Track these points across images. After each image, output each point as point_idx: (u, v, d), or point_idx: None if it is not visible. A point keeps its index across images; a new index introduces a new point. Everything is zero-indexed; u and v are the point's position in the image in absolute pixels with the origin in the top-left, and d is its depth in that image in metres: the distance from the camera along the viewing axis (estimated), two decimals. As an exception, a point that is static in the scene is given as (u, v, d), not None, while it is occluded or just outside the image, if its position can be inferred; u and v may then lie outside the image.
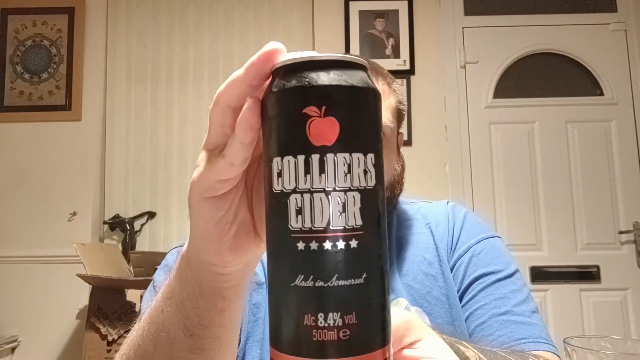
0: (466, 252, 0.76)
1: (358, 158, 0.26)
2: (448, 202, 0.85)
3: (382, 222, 0.27)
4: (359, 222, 0.26)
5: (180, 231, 2.50)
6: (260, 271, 0.73)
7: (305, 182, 0.26)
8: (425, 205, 0.85)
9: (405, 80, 2.52)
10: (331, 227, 0.25)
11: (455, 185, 2.47)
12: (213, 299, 0.37)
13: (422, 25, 2.59)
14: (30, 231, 2.45)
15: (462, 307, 0.73)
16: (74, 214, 2.46)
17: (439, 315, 0.72)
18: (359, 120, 0.26)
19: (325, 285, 0.25)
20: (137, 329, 0.43)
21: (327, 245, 0.25)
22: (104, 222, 2.52)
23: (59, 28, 2.59)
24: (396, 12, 2.58)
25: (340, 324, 0.25)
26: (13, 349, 2.34)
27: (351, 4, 2.59)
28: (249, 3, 2.63)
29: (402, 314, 0.37)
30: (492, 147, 2.51)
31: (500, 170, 2.49)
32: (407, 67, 2.54)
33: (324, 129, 0.26)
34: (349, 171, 0.26)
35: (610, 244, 2.41)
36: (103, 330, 1.97)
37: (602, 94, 2.51)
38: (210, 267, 0.35)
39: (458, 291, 0.74)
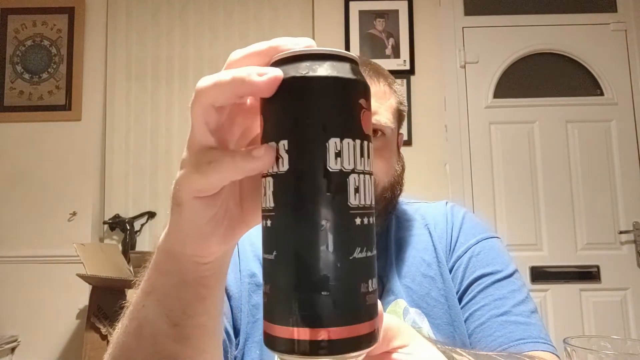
0: (465, 253, 0.76)
1: (270, 146, 0.29)
2: (447, 202, 0.85)
3: (300, 205, 0.28)
4: (271, 204, 0.29)
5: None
6: (259, 272, 0.73)
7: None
8: (423, 206, 0.85)
9: (405, 80, 2.52)
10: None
11: (455, 185, 2.47)
12: (196, 288, 0.37)
13: (422, 25, 2.59)
14: (30, 231, 2.45)
15: (462, 308, 0.72)
16: (74, 214, 2.46)
17: (438, 316, 0.72)
18: (272, 111, 0.29)
19: (263, 256, 0.30)
20: (120, 327, 0.43)
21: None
22: (104, 222, 2.52)
23: (59, 28, 2.59)
24: (396, 12, 2.58)
25: (264, 290, 0.29)
26: (13, 349, 2.34)
27: (351, 4, 2.58)
28: (249, 2, 2.63)
29: (396, 319, 0.39)
30: (492, 147, 2.51)
31: (500, 170, 2.49)
32: (407, 67, 2.54)
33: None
34: None
35: (610, 244, 2.41)
36: (103, 330, 1.97)
37: (602, 94, 2.51)
38: (193, 258, 0.36)
39: (457, 292, 0.73)
